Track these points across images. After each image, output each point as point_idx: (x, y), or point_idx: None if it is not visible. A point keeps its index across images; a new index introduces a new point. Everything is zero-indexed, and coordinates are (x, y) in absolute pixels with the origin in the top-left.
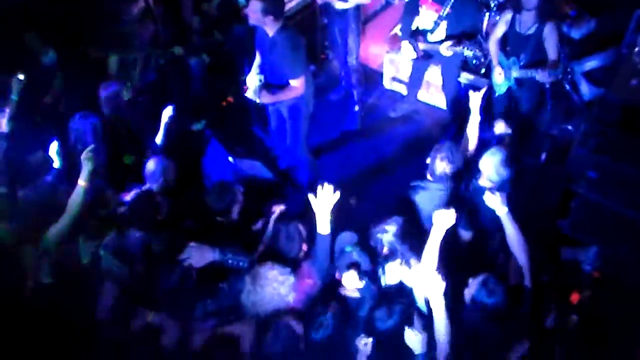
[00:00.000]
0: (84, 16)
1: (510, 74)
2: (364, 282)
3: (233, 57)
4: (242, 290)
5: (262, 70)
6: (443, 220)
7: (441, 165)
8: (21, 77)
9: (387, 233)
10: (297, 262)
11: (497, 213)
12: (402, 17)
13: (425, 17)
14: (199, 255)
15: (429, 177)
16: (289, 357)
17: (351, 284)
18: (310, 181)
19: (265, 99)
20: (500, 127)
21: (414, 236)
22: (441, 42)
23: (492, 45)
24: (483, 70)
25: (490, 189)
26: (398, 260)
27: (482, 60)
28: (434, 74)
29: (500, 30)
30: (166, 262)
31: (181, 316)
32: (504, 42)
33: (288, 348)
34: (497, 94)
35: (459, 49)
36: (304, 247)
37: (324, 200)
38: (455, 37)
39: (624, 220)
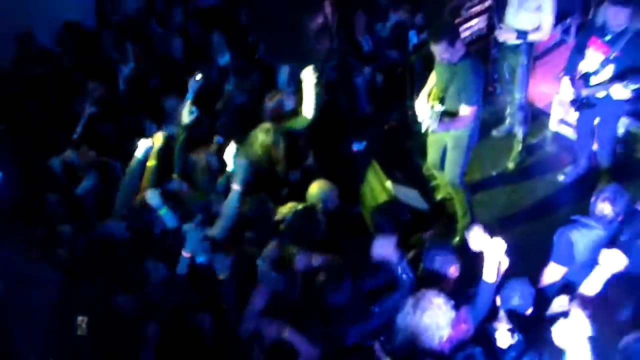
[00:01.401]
0: (263, 26)
1: None
2: (516, 338)
3: (402, 81)
4: (399, 310)
5: (441, 96)
6: (612, 261)
7: (603, 206)
8: (198, 77)
9: None
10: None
11: None
12: (569, 57)
13: (592, 60)
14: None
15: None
16: None
17: (505, 341)
18: (463, 216)
19: (442, 125)
20: None
21: None
22: (607, 84)
23: None
24: None
25: None
26: None
27: None
28: None
29: None
30: (332, 280)
31: (322, 338)
32: None
33: None
34: None
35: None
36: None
37: (497, 248)
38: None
39: None
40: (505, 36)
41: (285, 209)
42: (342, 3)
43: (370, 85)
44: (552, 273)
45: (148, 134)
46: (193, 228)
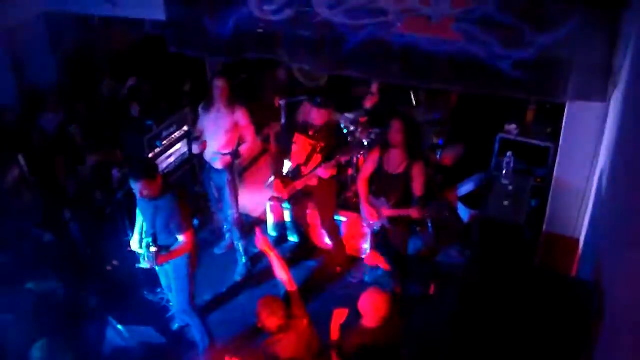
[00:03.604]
0: None
1: None
2: None
3: (115, 222)
4: None
5: (149, 233)
6: None
7: None
8: None
9: None
10: None
11: None
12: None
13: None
14: None
15: None
16: None
17: None
18: (203, 340)
19: (161, 260)
20: None
21: None
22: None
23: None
24: None
25: None
26: None
27: None
28: None
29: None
30: None
31: None
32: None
33: None
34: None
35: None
36: None
37: None
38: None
39: None
40: (219, 162)
41: None
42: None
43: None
44: None
45: None
46: None
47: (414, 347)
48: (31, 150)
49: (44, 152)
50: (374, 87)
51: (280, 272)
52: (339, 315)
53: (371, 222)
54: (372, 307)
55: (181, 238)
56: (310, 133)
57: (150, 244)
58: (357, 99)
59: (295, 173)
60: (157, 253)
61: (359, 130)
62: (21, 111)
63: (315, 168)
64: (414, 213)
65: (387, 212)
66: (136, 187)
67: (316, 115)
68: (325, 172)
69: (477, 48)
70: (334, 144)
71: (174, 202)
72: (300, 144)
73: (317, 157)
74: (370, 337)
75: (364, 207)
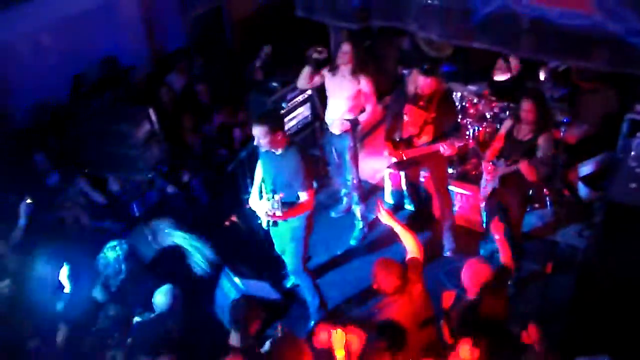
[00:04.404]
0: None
1: None
2: None
3: (236, 177)
4: None
5: (270, 189)
6: None
7: None
8: (29, 200)
9: None
10: None
11: None
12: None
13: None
14: None
15: None
16: None
17: None
18: (313, 300)
19: (284, 214)
20: None
21: None
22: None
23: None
24: None
25: None
26: None
27: None
28: None
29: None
30: None
31: None
32: None
33: None
34: None
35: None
36: None
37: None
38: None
39: None
40: (338, 127)
41: None
42: (167, 109)
43: (205, 182)
44: None
45: None
46: None
47: (525, 326)
48: (160, 107)
49: (172, 110)
50: (513, 62)
51: (407, 239)
52: (448, 297)
53: (487, 179)
54: (474, 278)
55: (303, 196)
56: (421, 104)
57: (274, 195)
58: (481, 71)
59: (408, 143)
60: (281, 202)
61: (482, 102)
62: (152, 70)
63: (432, 142)
64: (523, 166)
65: (502, 169)
66: (260, 137)
67: (423, 84)
68: (445, 150)
69: (614, 23)
70: (445, 114)
71: (298, 158)
72: (412, 115)
73: (430, 128)
74: (474, 309)
75: (484, 164)
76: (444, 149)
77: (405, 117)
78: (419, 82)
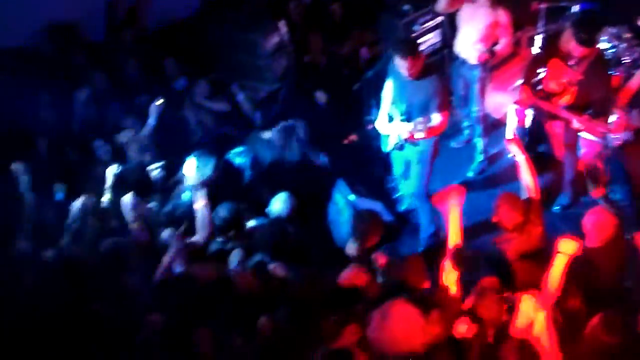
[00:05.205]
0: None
1: None
2: None
3: (360, 97)
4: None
5: (405, 112)
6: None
7: None
8: (159, 102)
9: None
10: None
11: None
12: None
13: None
14: None
15: None
16: None
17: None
18: (429, 226)
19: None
20: None
21: None
22: None
23: None
24: None
25: None
26: None
27: None
28: None
29: None
30: None
31: None
32: None
33: None
34: None
35: None
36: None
37: None
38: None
39: None
40: (475, 57)
41: None
42: (297, 23)
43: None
44: None
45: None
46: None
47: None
48: (290, 21)
49: (301, 26)
50: None
51: (527, 177)
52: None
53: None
54: (596, 227)
55: (438, 117)
56: (571, 63)
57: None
58: (623, 13)
59: (546, 97)
60: (423, 124)
61: (622, 46)
62: None
63: (571, 107)
64: None
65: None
66: (402, 65)
67: (574, 48)
68: (579, 126)
69: None
70: (594, 80)
71: (438, 81)
72: (555, 71)
73: (573, 91)
74: (591, 257)
75: (618, 113)
76: (577, 124)
77: (548, 70)
78: (571, 44)
